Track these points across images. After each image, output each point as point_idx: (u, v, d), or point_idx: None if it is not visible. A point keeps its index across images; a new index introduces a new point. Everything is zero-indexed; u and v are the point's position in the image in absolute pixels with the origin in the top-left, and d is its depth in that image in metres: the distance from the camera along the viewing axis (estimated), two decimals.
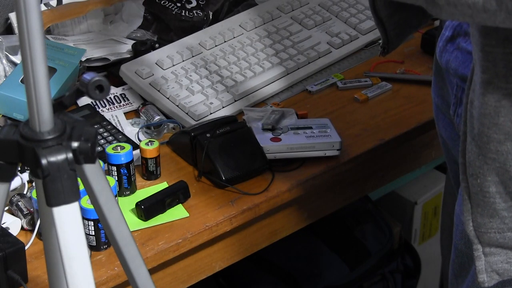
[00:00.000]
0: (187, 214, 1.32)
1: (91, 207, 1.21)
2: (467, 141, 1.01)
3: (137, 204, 1.30)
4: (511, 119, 0.95)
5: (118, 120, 1.51)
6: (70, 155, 0.84)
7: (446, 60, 1.17)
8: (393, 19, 1.24)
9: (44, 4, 1.69)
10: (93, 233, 1.24)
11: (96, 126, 1.46)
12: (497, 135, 0.96)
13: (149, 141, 1.37)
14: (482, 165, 0.99)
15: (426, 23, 1.27)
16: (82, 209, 1.22)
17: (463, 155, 1.02)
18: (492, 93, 0.95)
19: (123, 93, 1.58)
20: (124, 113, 1.54)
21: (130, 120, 1.52)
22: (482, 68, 0.95)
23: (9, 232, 1.23)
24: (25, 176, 1.34)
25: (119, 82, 1.59)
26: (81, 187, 0.88)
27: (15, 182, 1.33)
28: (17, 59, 1.57)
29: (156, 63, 1.58)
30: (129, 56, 1.64)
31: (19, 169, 1.20)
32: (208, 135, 1.39)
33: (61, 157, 0.84)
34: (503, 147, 0.97)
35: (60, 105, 0.87)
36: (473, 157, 1.00)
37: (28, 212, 1.27)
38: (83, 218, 1.23)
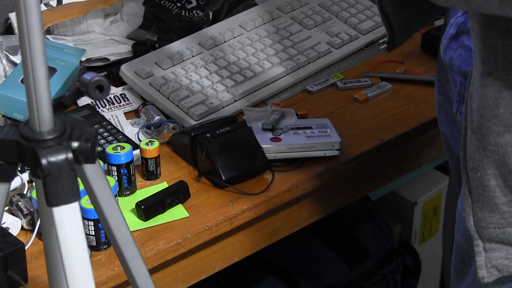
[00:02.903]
0: (187, 214, 1.32)
1: (91, 207, 1.21)
2: (467, 135, 1.01)
3: (137, 204, 1.30)
4: (510, 111, 0.96)
5: (118, 120, 1.51)
6: (70, 155, 0.84)
7: (449, 57, 1.18)
8: (399, 16, 1.24)
9: (44, 4, 1.70)
10: (93, 233, 1.24)
11: (96, 126, 1.46)
12: (497, 127, 0.97)
13: (149, 141, 1.37)
14: (482, 158, 0.99)
15: (433, 20, 1.27)
16: (82, 209, 1.22)
17: (463, 149, 1.03)
18: (492, 85, 0.96)
19: (123, 93, 1.58)
20: (124, 113, 1.54)
21: (130, 120, 1.52)
22: (482, 60, 0.96)
23: (9, 232, 1.23)
24: (25, 176, 1.34)
25: (119, 82, 1.59)
26: (81, 187, 0.88)
27: (15, 182, 1.33)
28: (17, 59, 1.57)
29: (156, 63, 1.58)
30: (129, 56, 1.64)
31: (19, 169, 1.20)
32: (208, 135, 1.39)
33: (61, 157, 0.84)
34: (502, 139, 0.97)
35: (60, 105, 0.87)
36: (473, 151, 1.00)
37: (28, 212, 1.27)
38: (83, 218, 1.23)
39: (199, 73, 1.57)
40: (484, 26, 0.94)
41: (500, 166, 0.99)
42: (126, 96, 1.57)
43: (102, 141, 1.43)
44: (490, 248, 1.04)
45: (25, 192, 1.32)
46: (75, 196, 0.85)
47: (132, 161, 1.34)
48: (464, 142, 1.02)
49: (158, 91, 1.54)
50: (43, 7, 1.69)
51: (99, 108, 1.53)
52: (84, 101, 1.52)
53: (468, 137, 1.01)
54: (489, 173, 1.00)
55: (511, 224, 1.02)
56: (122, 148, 1.34)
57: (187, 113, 1.50)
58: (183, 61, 1.60)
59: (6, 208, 1.27)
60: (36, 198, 1.22)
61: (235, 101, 1.54)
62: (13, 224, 1.27)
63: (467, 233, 1.15)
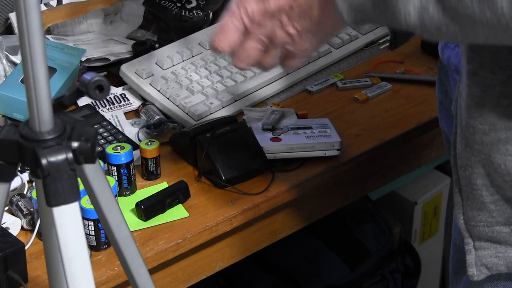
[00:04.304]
0: (187, 214, 1.32)
1: (91, 207, 1.21)
2: (457, 133, 1.02)
3: (137, 204, 1.30)
4: (495, 110, 0.96)
5: (118, 120, 1.51)
6: (70, 155, 0.84)
7: (447, 56, 1.18)
8: None
9: (44, 4, 1.70)
10: (93, 233, 1.24)
11: (96, 126, 1.46)
12: (482, 125, 0.97)
13: (149, 141, 1.37)
14: (469, 156, 1.00)
15: None
16: (82, 209, 1.22)
17: (453, 147, 1.03)
18: (477, 84, 0.96)
19: (123, 93, 1.58)
20: (124, 113, 1.54)
21: (130, 120, 1.52)
22: (468, 59, 0.96)
23: (9, 232, 1.23)
24: (25, 176, 1.34)
25: (119, 82, 1.59)
26: (81, 187, 0.88)
27: (15, 182, 1.33)
28: (17, 59, 1.57)
29: (156, 63, 1.58)
30: (129, 56, 1.64)
31: (19, 169, 1.20)
32: (208, 135, 1.39)
33: (61, 157, 0.84)
34: (487, 138, 0.97)
35: (60, 105, 0.87)
36: (461, 149, 1.01)
37: (28, 212, 1.27)
38: (83, 218, 1.23)
39: (199, 73, 1.57)
40: None
41: (486, 165, 0.99)
42: (126, 96, 1.57)
43: (102, 141, 1.43)
44: (480, 247, 1.05)
45: (25, 192, 1.32)
46: (75, 196, 0.85)
47: (132, 161, 1.34)
48: (454, 140, 1.03)
49: (158, 91, 1.54)
50: (43, 7, 1.69)
51: (99, 108, 1.53)
52: (84, 101, 1.52)
53: (458, 135, 1.02)
54: (476, 172, 1.00)
55: (499, 223, 1.02)
56: (122, 148, 1.34)
57: (187, 113, 1.50)
58: (183, 61, 1.60)
59: (6, 208, 1.27)
60: (36, 198, 1.22)
61: (235, 101, 1.54)
62: (13, 224, 1.27)
63: None
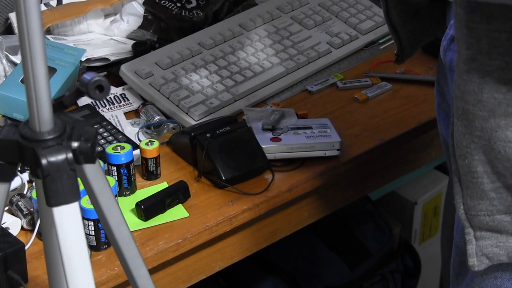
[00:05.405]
0: (187, 214, 1.32)
1: (91, 207, 1.21)
2: (454, 122, 1.02)
3: (137, 204, 1.31)
4: (494, 96, 0.96)
5: (118, 120, 1.51)
6: (70, 155, 0.84)
7: (449, 58, 1.18)
8: (407, 27, 1.24)
9: (44, 4, 1.70)
10: (93, 233, 1.24)
11: (96, 126, 1.46)
12: (482, 112, 0.98)
13: (149, 141, 1.37)
14: (469, 144, 1.00)
15: (442, 31, 1.27)
16: (82, 209, 1.22)
17: (451, 137, 1.03)
18: (476, 70, 0.97)
19: (123, 93, 1.58)
20: (124, 113, 1.54)
21: (130, 120, 1.52)
22: (466, 45, 0.97)
23: (9, 232, 1.23)
24: (25, 176, 1.34)
25: (119, 82, 1.59)
26: (81, 187, 0.88)
27: (15, 182, 1.33)
28: (17, 59, 1.57)
29: (156, 63, 1.58)
30: (129, 56, 1.64)
31: (19, 169, 1.20)
32: (208, 135, 1.39)
33: (61, 157, 0.84)
34: (487, 124, 0.98)
35: (60, 105, 0.87)
36: (460, 137, 1.01)
37: (28, 212, 1.27)
38: (83, 218, 1.23)
39: (199, 73, 1.57)
40: (468, 10, 0.95)
41: (487, 151, 0.99)
42: (126, 96, 1.57)
43: (102, 141, 1.43)
44: (480, 236, 1.05)
45: (25, 192, 1.32)
46: (75, 196, 0.85)
47: (132, 161, 1.34)
48: (452, 130, 1.03)
49: (158, 91, 1.54)
50: (43, 7, 1.69)
51: (99, 108, 1.53)
52: (84, 101, 1.52)
53: (455, 125, 1.02)
54: (477, 159, 1.00)
55: (500, 211, 1.03)
56: (122, 148, 1.34)
57: (187, 113, 1.50)
58: (183, 61, 1.60)
59: (6, 208, 1.27)
60: (36, 198, 1.22)
61: (235, 101, 1.54)
62: (13, 224, 1.27)
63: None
